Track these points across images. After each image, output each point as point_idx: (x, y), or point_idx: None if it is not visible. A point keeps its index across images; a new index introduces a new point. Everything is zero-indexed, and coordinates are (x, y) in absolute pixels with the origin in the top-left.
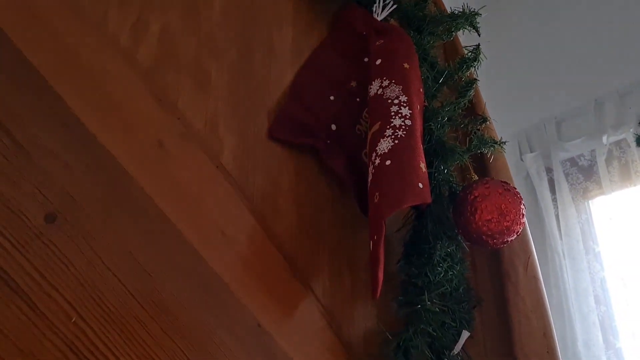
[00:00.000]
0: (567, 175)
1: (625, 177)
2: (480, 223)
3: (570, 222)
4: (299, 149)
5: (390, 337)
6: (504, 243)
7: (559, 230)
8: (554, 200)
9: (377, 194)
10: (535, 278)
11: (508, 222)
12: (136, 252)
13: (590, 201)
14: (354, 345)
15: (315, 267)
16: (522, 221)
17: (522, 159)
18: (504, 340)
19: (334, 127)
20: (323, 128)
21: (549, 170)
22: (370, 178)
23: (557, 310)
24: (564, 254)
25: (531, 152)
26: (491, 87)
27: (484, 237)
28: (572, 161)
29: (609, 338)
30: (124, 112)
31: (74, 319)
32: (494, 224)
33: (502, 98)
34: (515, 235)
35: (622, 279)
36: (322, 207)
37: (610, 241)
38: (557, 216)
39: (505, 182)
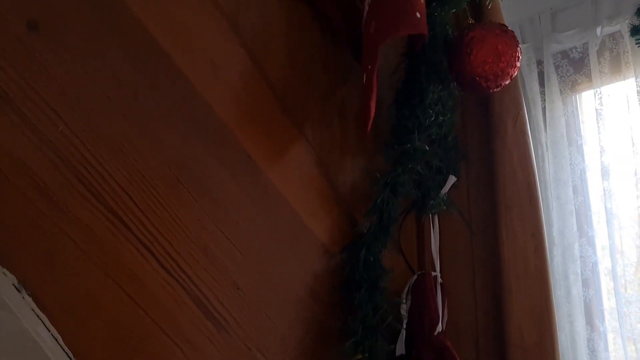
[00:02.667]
0: (557, 67)
1: (616, 69)
2: (475, 64)
3: (556, 114)
4: None
5: (379, 176)
6: (498, 87)
7: (545, 122)
8: (542, 93)
9: (373, 22)
10: (523, 132)
11: (503, 63)
12: (122, 73)
13: (578, 95)
14: (341, 188)
15: (305, 112)
16: (517, 65)
17: None
18: (487, 191)
19: None
20: None
21: (539, 63)
22: (366, 10)
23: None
24: (547, 146)
25: (523, 43)
26: None
27: (478, 79)
28: (564, 54)
29: (583, 226)
30: None
31: (60, 128)
32: (489, 65)
33: None
34: (509, 79)
35: (602, 170)
36: (314, 52)
37: (594, 134)
38: (543, 109)
39: (503, 25)
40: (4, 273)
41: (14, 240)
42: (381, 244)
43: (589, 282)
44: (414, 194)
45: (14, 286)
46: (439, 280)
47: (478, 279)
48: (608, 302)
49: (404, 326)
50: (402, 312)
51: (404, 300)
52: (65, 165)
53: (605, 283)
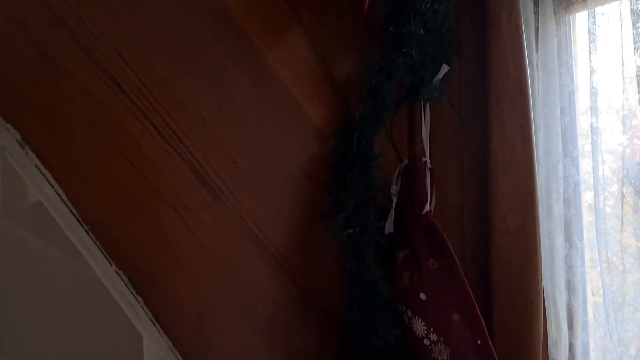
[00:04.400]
0: None
1: None
2: None
3: (548, 34)
4: None
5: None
6: None
7: (537, 43)
8: (536, 12)
9: None
10: (517, 27)
11: None
12: None
13: (571, 15)
14: (337, 76)
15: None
16: None
17: None
18: (479, 83)
19: None
20: None
21: None
22: None
23: None
24: (537, 66)
25: None
26: None
27: None
28: None
29: (568, 147)
30: None
31: None
32: None
33: None
34: None
35: (590, 90)
36: None
37: (585, 55)
38: (536, 29)
39: None
40: (7, 129)
41: (18, 98)
42: (374, 129)
43: (571, 200)
44: (408, 79)
45: (17, 142)
46: (429, 165)
47: (466, 168)
48: (587, 220)
49: (394, 205)
50: (392, 193)
51: (395, 182)
52: (62, 27)
53: (586, 202)
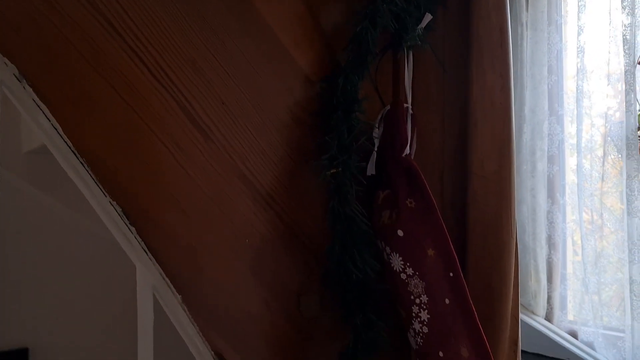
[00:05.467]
0: None
1: None
2: None
3: None
4: None
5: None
6: None
7: (527, 1)
8: None
9: None
10: None
11: None
12: None
13: None
14: (324, 25)
15: None
16: None
17: None
18: (462, 34)
19: None
20: None
21: None
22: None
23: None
24: (527, 25)
25: None
26: None
27: None
28: None
29: (554, 105)
30: None
31: None
32: None
33: None
34: None
35: (577, 49)
36: None
37: (574, 13)
38: None
39: None
40: (5, 63)
41: (15, 33)
42: (358, 74)
43: (554, 158)
44: (392, 26)
45: (15, 76)
46: (410, 111)
47: (447, 115)
48: (570, 178)
49: (376, 148)
50: (374, 136)
51: (377, 126)
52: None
53: (569, 159)
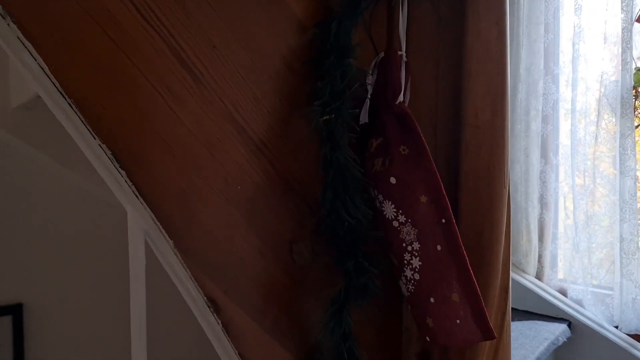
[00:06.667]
0: None
1: None
2: None
3: None
4: None
5: None
6: None
7: None
8: None
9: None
10: None
11: None
12: None
13: None
14: None
15: None
16: None
17: None
18: None
19: None
20: None
21: None
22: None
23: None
24: None
25: None
26: None
27: None
28: None
29: (550, 64)
30: None
31: None
32: None
33: None
34: None
35: (574, 7)
36: None
37: None
38: None
39: None
40: None
41: None
42: (352, 20)
43: (549, 118)
44: None
45: None
46: (404, 58)
47: (442, 65)
48: (564, 138)
49: (369, 95)
50: (367, 83)
51: (371, 73)
52: None
53: (563, 120)
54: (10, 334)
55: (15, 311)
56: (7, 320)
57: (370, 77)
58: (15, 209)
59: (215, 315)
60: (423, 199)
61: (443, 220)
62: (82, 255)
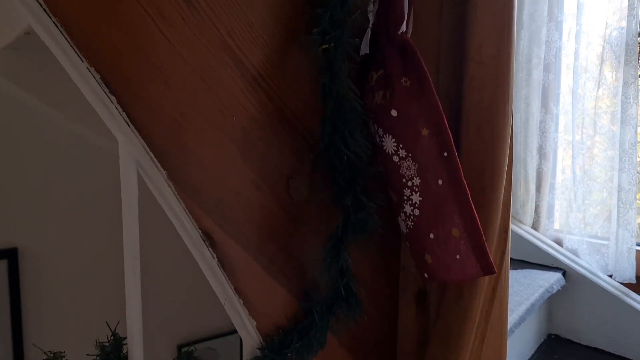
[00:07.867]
0: None
1: None
2: None
3: None
4: None
5: None
6: None
7: None
8: None
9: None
10: None
11: None
12: None
13: None
14: None
15: None
16: None
17: None
18: None
19: None
20: None
21: None
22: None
23: None
24: None
25: None
26: None
27: None
28: None
29: (554, 10)
30: None
31: None
32: None
33: None
34: None
35: None
36: None
37: None
38: None
39: None
40: None
41: None
42: None
43: (550, 66)
44: None
45: None
46: None
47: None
48: (565, 86)
49: (370, 25)
50: (369, 10)
51: (372, 1)
52: None
53: (565, 70)
54: (6, 278)
55: (10, 255)
56: (2, 265)
57: (372, 5)
58: (9, 153)
59: (210, 249)
60: (424, 131)
61: (445, 154)
62: (77, 202)
